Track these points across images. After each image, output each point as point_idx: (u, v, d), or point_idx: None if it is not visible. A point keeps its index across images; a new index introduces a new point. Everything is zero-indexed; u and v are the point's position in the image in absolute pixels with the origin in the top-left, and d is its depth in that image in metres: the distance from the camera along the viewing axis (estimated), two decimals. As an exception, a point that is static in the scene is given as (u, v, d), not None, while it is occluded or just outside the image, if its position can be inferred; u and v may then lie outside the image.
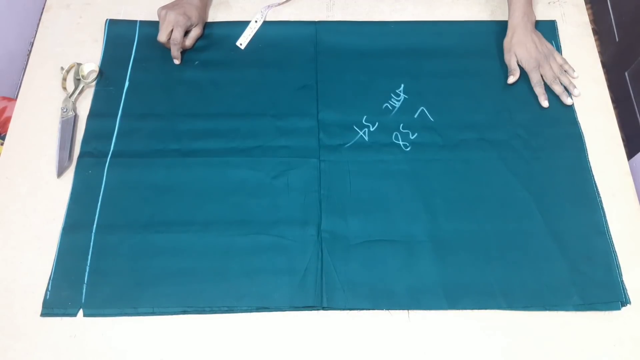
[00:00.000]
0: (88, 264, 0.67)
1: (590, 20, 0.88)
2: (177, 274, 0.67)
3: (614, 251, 0.69)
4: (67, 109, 0.78)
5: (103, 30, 0.85)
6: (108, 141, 0.76)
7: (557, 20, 0.87)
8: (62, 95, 0.79)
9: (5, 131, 0.79)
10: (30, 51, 0.85)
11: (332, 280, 0.67)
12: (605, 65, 0.86)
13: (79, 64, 0.81)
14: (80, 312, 0.65)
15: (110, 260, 0.68)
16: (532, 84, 0.80)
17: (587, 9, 0.89)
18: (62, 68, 0.81)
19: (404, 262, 0.68)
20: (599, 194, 0.73)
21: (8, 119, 0.92)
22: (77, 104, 0.79)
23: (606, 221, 0.71)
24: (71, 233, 0.69)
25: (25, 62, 0.88)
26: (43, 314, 0.65)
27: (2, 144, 0.80)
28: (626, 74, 1.23)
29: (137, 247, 0.69)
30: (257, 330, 0.65)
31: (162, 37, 0.80)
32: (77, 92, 0.79)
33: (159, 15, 0.81)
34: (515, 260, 0.68)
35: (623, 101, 1.23)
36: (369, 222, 0.71)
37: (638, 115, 1.18)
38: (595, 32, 1.24)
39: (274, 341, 0.64)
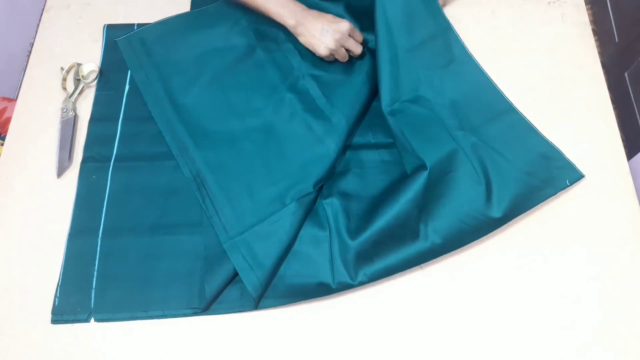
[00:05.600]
0: (96, 269, 0.67)
1: (590, 21, 0.88)
2: (186, 276, 0.67)
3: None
4: (67, 109, 0.78)
5: (102, 32, 0.85)
6: (110, 145, 0.76)
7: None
8: (62, 95, 0.79)
9: (5, 131, 0.79)
10: (30, 51, 0.85)
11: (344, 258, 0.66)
12: (605, 65, 0.85)
13: (79, 64, 0.81)
14: (90, 317, 0.64)
15: (118, 264, 0.67)
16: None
17: (587, 9, 0.89)
18: (62, 68, 0.81)
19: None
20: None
21: (8, 120, 0.93)
22: (77, 104, 0.79)
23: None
24: (77, 239, 0.69)
25: (25, 63, 0.87)
26: (53, 321, 0.64)
27: (2, 144, 0.80)
28: (626, 74, 1.23)
29: (144, 250, 0.68)
30: (257, 330, 0.65)
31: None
32: (77, 92, 0.79)
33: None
34: None
35: (623, 101, 1.23)
36: (369, 222, 0.70)
37: (638, 116, 1.18)
38: (595, 32, 1.24)
39: (274, 341, 0.64)
